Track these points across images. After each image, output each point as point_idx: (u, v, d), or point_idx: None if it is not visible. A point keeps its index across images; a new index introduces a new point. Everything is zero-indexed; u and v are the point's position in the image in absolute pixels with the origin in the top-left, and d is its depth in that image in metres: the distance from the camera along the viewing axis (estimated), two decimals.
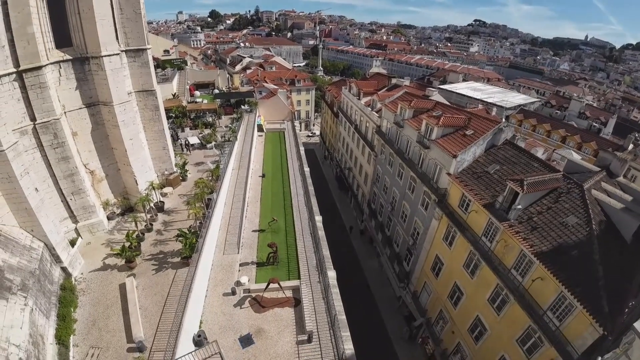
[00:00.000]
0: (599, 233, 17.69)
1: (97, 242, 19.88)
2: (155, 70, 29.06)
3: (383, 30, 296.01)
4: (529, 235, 19.28)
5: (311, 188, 29.24)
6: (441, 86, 64.10)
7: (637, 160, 43.67)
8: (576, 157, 31.64)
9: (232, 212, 24.99)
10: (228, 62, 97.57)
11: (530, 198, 20.46)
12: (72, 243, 18.42)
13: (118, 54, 19.32)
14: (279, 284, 18.42)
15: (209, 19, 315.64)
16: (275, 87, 55.79)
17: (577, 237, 17.89)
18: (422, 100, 34.89)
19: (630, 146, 43.99)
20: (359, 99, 46.65)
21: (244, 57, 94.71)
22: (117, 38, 19.53)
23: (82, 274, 17.61)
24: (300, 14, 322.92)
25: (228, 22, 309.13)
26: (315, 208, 26.25)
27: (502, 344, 21.01)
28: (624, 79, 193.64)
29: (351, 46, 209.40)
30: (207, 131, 36.93)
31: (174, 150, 28.25)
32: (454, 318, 26.08)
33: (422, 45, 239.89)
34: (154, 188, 22.78)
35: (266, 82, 63.32)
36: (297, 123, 49.97)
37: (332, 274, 19.97)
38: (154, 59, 38.03)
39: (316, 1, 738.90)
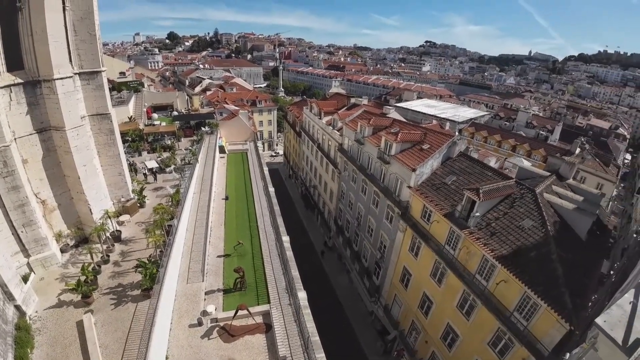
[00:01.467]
0: (554, 233, 18.94)
1: (50, 277, 18.39)
2: (111, 92, 27.96)
3: (340, 52, 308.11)
4: (489, 240, 20.25)
5: (277, 208, 28.92)
6: (397, 104, 67.20)
7: (585, 163, 47.93)
8: (526, 164, 33.89)
9: (194, 238, 24.00)
10: (187, 83, 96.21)
11: (487, 205, 21.61)
12: (25, 279, 16.92)
13: (71, 76, 18.52)
14: (247, 310, 17.79)
15: (167, 41, 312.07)
16: (237, 108, 55.44)
17: (534, 238, 19.05)
18: (380, 118, 36.31)
19: (577, 150, 47.87)
20: (320, 118, 47.55)
21: (204, 79, 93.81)
22: (70, 60, 18.77)
23: (36, 312, 16.12)
24: (260, 36, 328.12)
25: (187, 44, 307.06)
26: (282, 228, 25.89)
27: (475, 348, 21.54)
28: (568, 89, 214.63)
29: (310, 67, 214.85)
30: (165, 154, 35.69)
31: (131, 176, 26.97)
32: (426, 328, 26.43)
33: (378, 66, 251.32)
34: (109, 217, 21.46)
35: (227, 103, 62.79)
36: (260, 143, 49.70)
37: (302, 295, 19.61)
38: (109, 81, 36.63)
39: (275, 24, 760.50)
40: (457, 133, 49.07)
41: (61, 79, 17.65)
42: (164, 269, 17.55)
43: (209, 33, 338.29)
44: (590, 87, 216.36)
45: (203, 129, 44.38)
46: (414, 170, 26.44)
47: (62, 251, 20.05)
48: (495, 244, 19.87)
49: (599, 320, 3.14)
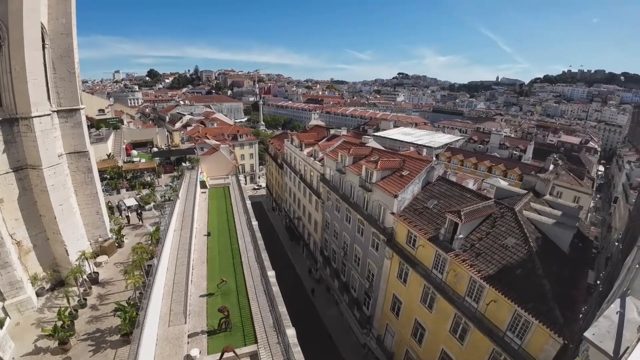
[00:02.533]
0: (537, 249, 19.29)
1: (26, 322, 17.28)
2: (89, 130, 27.65)
3: (318, 86, 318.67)
4: (475, 261, 20.37)
5: (261, 242, 28.30)
6: (375, 133, 69.18)
7: (560, 178, 49.81)
8: (503, 183, 34.94)
9: (175, 277, 22.99)
10: (167, 120, 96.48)
11: (469, 227, 21.94)
12: (0, 324, 15.75)
13: (49, 114, 18.33)
14: (234, 352, 16.88)
15: (148, 78, 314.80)
16: (218, 142, 55.64)
17: (519, 256, 19.31)
18: (359, 147, 37.14)
19: (551, 166, 49.74)
20: (301, 150, 48.15)
21: (184, 115, 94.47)
22: (49, 98, 18.71)
23: (13, 358, 15.02)
24: (240, 72, 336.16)
25: (167, 80, 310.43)
26: (267, 263, 25.19)
27: None
28: (536, 109, 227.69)
29: (290, 101, 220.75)
30: (145, 191, 34.98)
31: (109, 214, 26.16)
32: (421, 356, 25.69)
33: (355, 98, 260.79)
34: (86, 258, 20.56)
35: (208, 138, 63.00)
36: (242, 177, 49.46)
37: (291, 332, 18.82)
38: (88, 118, 36.36)
39: (254, 61, 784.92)
40: (434, 158, 50.51)
41: (39, 116, 17.48)
42: (144, 311, 16.62)
43: (189, 70, 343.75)
44: (557, 106, 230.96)
45: (184, 164, 44.07)
46: (395, 196, 26.80)
47: (38, 295, 19.08)
48: (481, 265, 19.99)
49: (587, 333, 3.17)
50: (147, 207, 31.73)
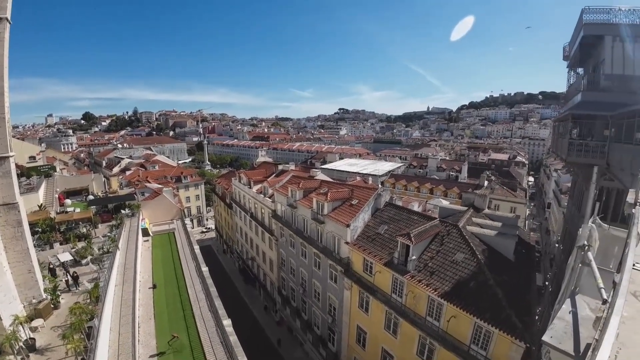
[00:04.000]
0: (485, 260, 20.48)
1: None
2: (19, 179, 24.67)
3: (263, 123, 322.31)
4: (430, 280, 21.03)
5: (213, 289, 26.55)
6: (323, 166, 71.03)
7: (495, 192, 54.50)
8: (445, 203, 37.10)
9: (120, 338, 20.46)
10: (104, 164, 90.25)
11: (420, 247, 22.80)
12: None
13: None
14: None
15: (83, 122, 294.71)
16: (160, 186, 52.63)
17: (469, 269, 20.31)
18: (309, 180, 37.63)
19: (486, 183, 54.33)
20: (250, 188, 47.40)
21: (123, 158, 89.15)
22: None
23: None
24: (182, 113, 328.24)
25: (104, 123, 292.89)
26: (222, 311, 23.57)
27: None
28: (465, 133, 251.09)
29: (236, 140, 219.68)
30: (81, 244, 31.70)
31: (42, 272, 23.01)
32: None
33: (300, 133, 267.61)
34: (21, 322, 17.65)
35: (149, 182, 59.39)
36: (188, 220, 46.92)
37: None
38: (18, 166, 32.74)
39: (197, 101, 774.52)
40: (380, 185, 52.80)
41: None
42: None
43: (127, 112, 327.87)
44: (484, 128, 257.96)
45: (123, 211, 40.87)
46: (348, 225, 27.21)
47: None
48: (436, 283, 20.66)
49: (545, 337, 3.37)
50: (83, 261, 28.71)
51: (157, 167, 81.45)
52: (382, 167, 74.80)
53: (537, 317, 17.49)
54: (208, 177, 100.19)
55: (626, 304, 2.68)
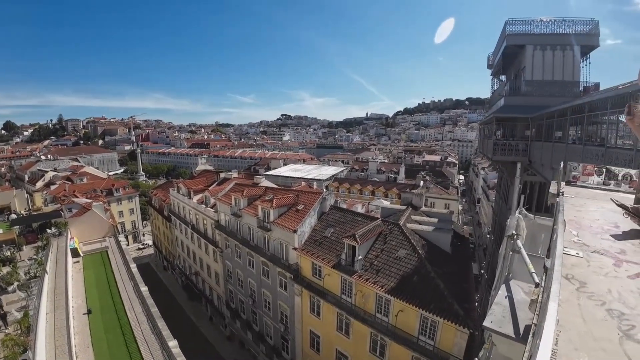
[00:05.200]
0: (425, 255, 21.74)
1: None
2: None
3: (203, 130, 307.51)
4: (377, 278, 21.72)
5: (155, 310, 24.51)
6: (267, 172, 69.77)
7: (430, 191, 58.47)
8: (386, 203, 38.80)
9: None
10: (27, 179, 79.38)
11: (365, 247, 23.45)
12: None
13: None
14: None
15: (3, 132, 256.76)
16: (89, 200, 47.30)
17: (412, 264, 21.41)
18: (253, 188, 36.67)
19: (421, 182, 58.10)
20: (190, 198, 44.93)
21: (47, 171, 79.22)
22: None
23: None
24: (112, 120, 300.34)
25: (26, 133, 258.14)
26: (166, 332, 21.83)
27: None
28: (401, 137, 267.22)
29: (173, 147, 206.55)
30: (5, 270, 27.58)
31: None
32: None
33: (242, 140, 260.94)
34: None
35: (77, 197, 53.16)
36: (122, 237, 42.86)
37: None
38: None
39: (129, 107, 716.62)
40: (324, 189, 53.42)
41: None
42: None
43: (52, 120, 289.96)
44: (418, 132, 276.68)
45: (49, 231, 36.19)
46: (295, 231, 27.02)
47: None
48: (383, 280, 21.38)
49: (486, 322, 3.54)
50: (9, 288, 25.03)
51: (85, 180, 73.52)
52: (325, 171, 75.83)
53: (476, 304, 18.93)
54: (143, 189, 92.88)
55: (560, 287, 2.85)
